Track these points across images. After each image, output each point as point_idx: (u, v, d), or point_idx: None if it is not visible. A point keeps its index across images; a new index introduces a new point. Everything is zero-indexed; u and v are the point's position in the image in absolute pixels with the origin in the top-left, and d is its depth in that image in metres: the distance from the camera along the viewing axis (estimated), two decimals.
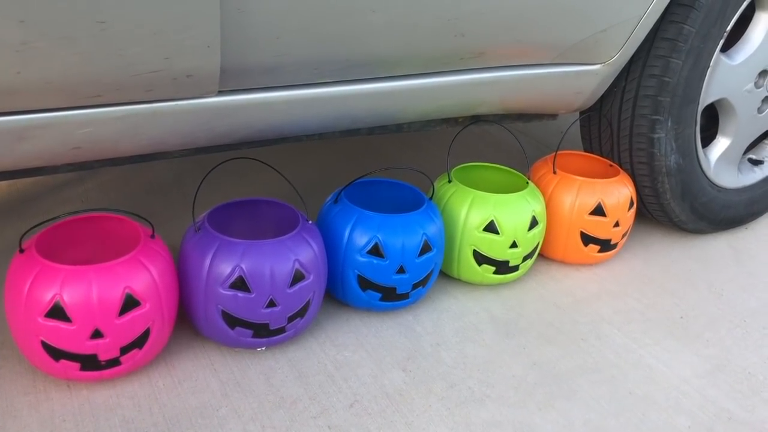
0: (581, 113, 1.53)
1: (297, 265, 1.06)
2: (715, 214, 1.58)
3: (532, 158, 1.71)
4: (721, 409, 1.10)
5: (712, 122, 1.56)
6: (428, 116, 1.24)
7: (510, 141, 2.06)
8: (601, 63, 1.29)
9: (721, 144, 1.55)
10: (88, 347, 0.95)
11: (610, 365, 1.18)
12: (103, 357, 0.97)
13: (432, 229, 1.20)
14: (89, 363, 0.97)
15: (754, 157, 1.67)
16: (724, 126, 1.54)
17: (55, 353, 0.96)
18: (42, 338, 0.94)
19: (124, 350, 0.99)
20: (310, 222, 1.14)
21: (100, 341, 0.95)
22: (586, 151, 1.61)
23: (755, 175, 1.66)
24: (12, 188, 1.63)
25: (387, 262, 1.16)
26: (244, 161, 1.80)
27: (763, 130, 1.60)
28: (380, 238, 1.15)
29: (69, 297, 0.93)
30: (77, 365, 0.97)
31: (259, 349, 1.13)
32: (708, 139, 1.56)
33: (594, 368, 1.17)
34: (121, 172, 1.75)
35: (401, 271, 1.18)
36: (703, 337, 1.28)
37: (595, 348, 1.22)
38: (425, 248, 1.19)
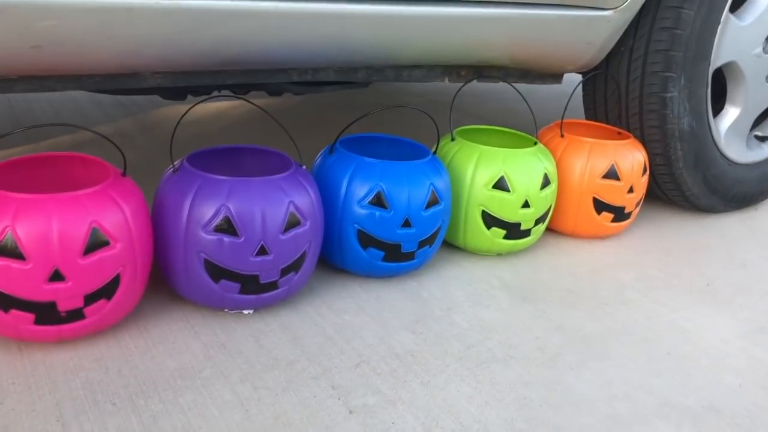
0: (584, 74, 1.44)
1: (292, 208, 0.92)
2: (727, 188, 1.49)
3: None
4: None
5: (719, 96, 1.49)
6: (431, 58, 1.13)
7: (513, 115, 1.96)
8: (612, 8, 1.21)
9: (730, 114, 1.47)
10: (45, 293, 0.80)
11: (641, 328, 1.05)
12: (63, 306, 0.81)
13: (440, 182, 1.08)
14: (46, 314, 0.81)
15: (760, 133, 1.60)
16: (732, 94, 1.46)
17: (5, 301, 0.79)
18: None
19: (89, 299, 0.83)
20: (304, 167, 1.01)
21: (60, 285, 0.80)
22: (589, 119, 1.52)
23: (763, 151, 1.58)
24: None
25: (391, 213, 1.03)
26: (232, 110, 1.65)
27: None
28: (383, 187, 1.03)
29: (23, 230, 0.78)
30: (31, 317, 0.81)
31: (246, 312, 0.98)
32: (716, 111, 1.48)
33: (624, 331, 1.04)
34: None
35: (407, 224, 1.04)
36: (736, 302, 1.16)
37: (621, 312, 1.10)
38: (433, 200, 1.06)
